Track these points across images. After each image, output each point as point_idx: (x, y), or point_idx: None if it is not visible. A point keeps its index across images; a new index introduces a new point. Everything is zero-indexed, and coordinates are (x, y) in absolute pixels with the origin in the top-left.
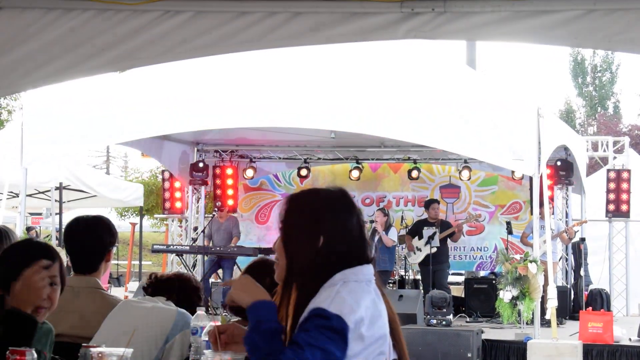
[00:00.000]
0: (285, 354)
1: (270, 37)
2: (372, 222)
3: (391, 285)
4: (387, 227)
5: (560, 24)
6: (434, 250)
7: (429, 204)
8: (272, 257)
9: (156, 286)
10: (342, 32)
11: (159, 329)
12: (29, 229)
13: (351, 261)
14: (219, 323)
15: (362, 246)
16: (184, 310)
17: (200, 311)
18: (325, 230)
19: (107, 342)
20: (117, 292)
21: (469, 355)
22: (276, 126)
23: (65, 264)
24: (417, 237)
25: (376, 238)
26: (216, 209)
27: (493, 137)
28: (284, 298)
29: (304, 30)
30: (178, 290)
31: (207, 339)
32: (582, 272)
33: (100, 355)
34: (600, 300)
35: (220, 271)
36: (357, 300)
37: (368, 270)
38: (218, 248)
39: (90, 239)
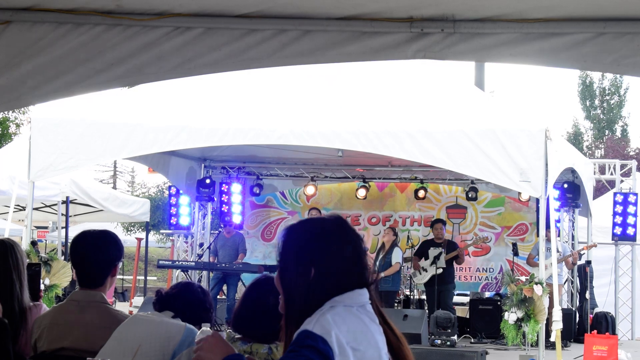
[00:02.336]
0: None
1: (279, 54)
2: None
3: (396, 304)
4: (392, 247)
5: (569, 47)
6: (440, 271)
7: (433, 224)
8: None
9: (163, 300)
10: (352, 51)
11: (167, 343)
12: (34, 243)
13: (344, 289)
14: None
15: (357, 272)
16: (192, 326)
17: (205, 327)
18: (315, 261)
19: (113, 356)
20: (122, 307)
21: None
22: (284, 144)
23: (70, 277)
24: (423, 258)
25: (380, 256)
26: (222, 225)
27: (500, 158)
28: (287, 333)
29: (313, 48)
30: (183, 304)
31: None
32: (587, 295)
33: None
34: (605, 324)
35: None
36: (339, 323)
37: (360, 294)
38: (223, 265)
39: (97, 253)
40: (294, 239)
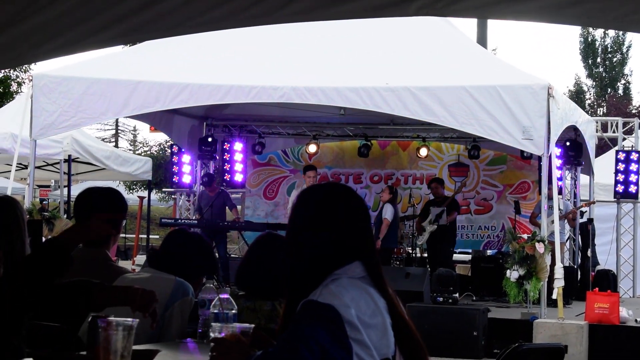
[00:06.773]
0: (275, 354)
1: (281, 12)
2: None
3: (398, 263)
4: (385, 205)
5: (572, 3)
6: (435, 227)
7: (430, 183)
8: (280, 232)
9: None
10: (353, 8)
11: (158, 297)
12: (41, 202)
13: (355, 256)
14: (226, 296)
15: (368, 241)
16: (182, 279)
17: (209, 284)
18: (331, 224)
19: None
20: (124, 265)
21: (475, 333)
22: (286, 102)
23: None
24: (427, 219)
25: (375, 215)
26: (205, 184)
27: (502, 116)
28: (289, 298)
29: (315, 5)
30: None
31: (215, 310)
32: (589, 253)
33: (107, 325)
34: (607, 281)
35: None
36: (343, 293)
37: (358, 266)
38: (226, 223)
39: (100, 210)
40: (308, 202)
